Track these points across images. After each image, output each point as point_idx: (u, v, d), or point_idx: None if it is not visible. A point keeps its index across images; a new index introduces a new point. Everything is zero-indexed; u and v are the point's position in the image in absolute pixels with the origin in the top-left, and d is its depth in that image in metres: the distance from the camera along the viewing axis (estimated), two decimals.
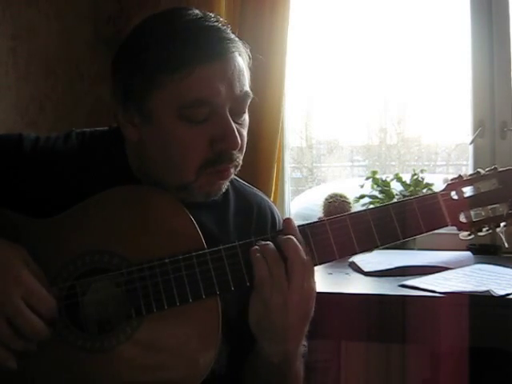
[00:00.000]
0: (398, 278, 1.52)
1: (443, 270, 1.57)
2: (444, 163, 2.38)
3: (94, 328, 0.93)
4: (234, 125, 0.96)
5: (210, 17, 0.99)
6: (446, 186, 0.98)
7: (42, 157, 1.04)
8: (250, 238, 0.95)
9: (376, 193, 1.95)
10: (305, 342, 1.12)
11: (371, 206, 0.97)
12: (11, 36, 1.82)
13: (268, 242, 0.94)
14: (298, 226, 0.96)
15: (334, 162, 2.48)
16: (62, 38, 2.02)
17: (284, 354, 0.97)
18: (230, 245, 0.94)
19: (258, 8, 1.88)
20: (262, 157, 1.90)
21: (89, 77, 2.12)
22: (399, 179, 1.95)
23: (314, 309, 0.96)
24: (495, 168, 0.99)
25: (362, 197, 1.96)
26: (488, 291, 1.34)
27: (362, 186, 1.98)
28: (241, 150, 0.99)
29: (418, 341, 1.43)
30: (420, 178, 1.92)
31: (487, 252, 1.81)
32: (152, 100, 0.95)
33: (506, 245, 1.01)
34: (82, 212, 0.98)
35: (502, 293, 1.34)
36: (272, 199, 1.93)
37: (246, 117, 1.01)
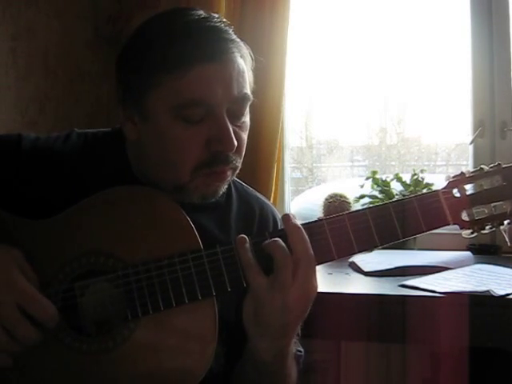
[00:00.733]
0: (398, 277, 1.52)
1: (443, 270, 1.57)
2: (444, 163, 2.37)
3: (91, 330, 0.93)
4: (230, 126, 0.95)
5: (214, 17, 0.98)
6: (448, 184, 0.96)
7: (42, 156, 1.04)
8: (248, 237, 0.94)
9: (376, 193, 1.95)
10: (300, 348, 1.12)
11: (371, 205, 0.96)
12: (11, 36, 1.82)
13: (277, 239, 0.91)
14: None
15: (334, 162, 2.47)
16: (62, 37, 2.02)
17: (276, 352, 0.96)
18: (227, 246, 0.93)
19: (258, 8, 1.89)
20: (262, 157, 1.90)
21: (89, 77, 2.12)
22: (399, 179, 1.95)
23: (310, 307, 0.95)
24: (499, 164, 0.96)
25: (362, 197, 1.96)
26: (488, 291, 1.34)
27: (361, 186, 1.98)
28: (239, 152, 0.99)
29: (418, 341, 1.43)
30: (420, 178, 1.92)
31: (487, 252, 1.81)
32: (150, 98, 0.95)
33: (510, 244, 1.00)
34: (79, 213, 0.97)
35: (502, 293, 1.34)
36: (272, 199, 1.93)
37: (247, 120, 1.00)
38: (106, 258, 0.94)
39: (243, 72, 0.97)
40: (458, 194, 0.96)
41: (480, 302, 1.33)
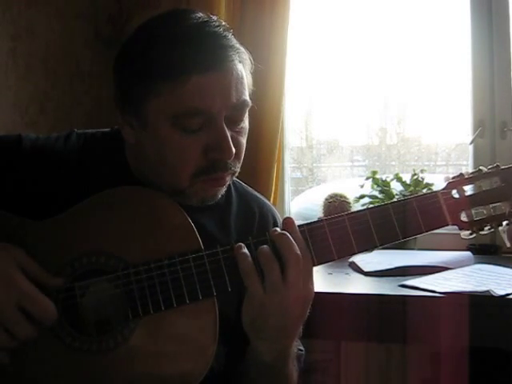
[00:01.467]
0: (398, 277, 1.52)
1: (443, 270, 1.57)
2: (444, 163, 2.37)
3: (92, 330, 0.93)
4: (228, 134, 0.95)
5: (212, 21, 0.98)
6: (447, 185, 0.97)
7: (42, 156, 1.04)
8: (247, 239, 0.94)
9: (376, 193, 1.95)
10: (301, 347, 1.12)
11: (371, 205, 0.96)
12: (11, 36, 1.82)
13: (264, 246, 0.92)
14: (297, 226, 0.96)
15: (334, 162, 2.47)
16: (61, 37, 2.02)
17: (276, 353, 0.97)
18: (227, 246, 0.94)
19: (258, 8, 1.88)
20: (262, 157, 1.90)
21: (89, 77, 2.12)
22: (399, 179, 1.95)
23: (309, 310, 0.96)
24: (497, 166, 0.97)
25: (362, 197, 1.96)
26: (488, 291, 1.34)
27: (362, 186, 1.98)
28: (238, 158, 0.99)
29: (418, 341, 1.43)
30: (420, 178, 1.92)
31: (487, 252, 1.81)
32: (148, 105, 0.95)
33: (508, 244, 1.00)
34: (80, 213, 0.97)
35: (502, 293, 1.34)
36: (272, 199, 1.93)
37: (246, 124, 1.00)
38: (106, 258, 0.94)
39: (242, 78, 0.96)
40: (457, 195, 0.96)
41: (480, 302, 1.34)
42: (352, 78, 2.24)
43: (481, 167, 0.98)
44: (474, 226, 0.96)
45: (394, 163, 2.34)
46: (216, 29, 0.96)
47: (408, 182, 1.94)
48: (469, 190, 0.97)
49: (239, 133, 0.99)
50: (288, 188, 2.15)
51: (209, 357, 0.92)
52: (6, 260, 0.90)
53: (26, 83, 1.88)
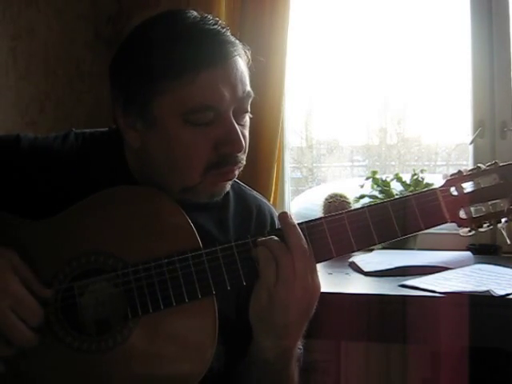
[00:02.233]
0: (398, 277, 1.51)
1: (443, 270, 1.57)
2: (444, 163, 2.37)
3: (91, 329, 0.93)
4: (238, 128, 0.96)
5: (209, 19, 0.98)
6: (446, 182, 0.97)
7: (41, 156, 1.04)
8: (247, 238, 0.94)
9: (376, 193, 1.95)
10: (300, 346, 1.12)
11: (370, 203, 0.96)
12: (11, 36, 1.82)
13: (272, 236, 0.93)
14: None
15: (334, 162, 2.47)
16: (61, 37, 2.02)
17: (280, 351, 0.97)
18: (226, 245, 0.94)
19: (258, 8, 1.89)
20: (262, 157, 1.90)
21: (89, 77, 2.12)
22: (399, 179, 1.95)
23: (315, 308, 0.96)
24: (496, 163, 0.97)
25: (362, 197, 1.95)
26: (488, 291, 1.34)
27: (361, 186, 1.98)
28: (244, 151, 1.00)
29: (418, 341, 1.43)
30: (420, 178, 1.92)
31: (487, 252, 1.80)
32: (155, 105, 0.95)
33: (508, 241, 1.00)
34: (79, 213, 0.98)
35: (502, 293, 1.34)
36: (272, 199, 1.93)
37: (248, 117, 1.01)
38: (105, 258, 0.94)
39: (244, 71, 0.98)
40: (455, 193, 0.96)
41: (480, 302, 1.33)
42: (352, 77, 2.24)
43: (479, 164, 0.98)
44: (473, 223, 0.96)
45: (393, 163, 2.34)
46: (214, 26, 0.97)
47: (408, 182, 1.94)
48: (467, 187, 0.97)
49: (244, 126, 1.00)
50: (288, 188, 2.15)
51: (207, 359, 0.92)
52: (3, 264, 0.90)
53: (26, 83, 1.88)
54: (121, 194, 0.99)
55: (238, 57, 0.97)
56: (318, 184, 2.45)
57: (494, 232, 1.00)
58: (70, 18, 2.06)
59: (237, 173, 1.01)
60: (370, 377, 1.69)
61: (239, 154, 0.97)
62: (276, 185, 1.96)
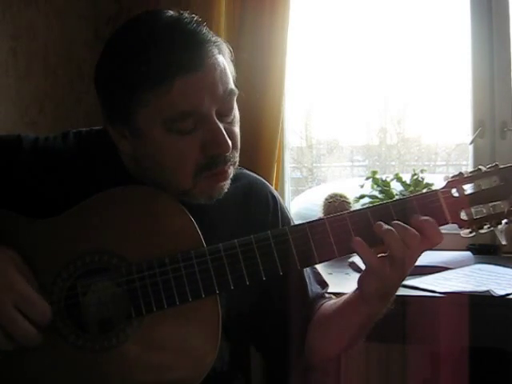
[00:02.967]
0: None
1: (443, 270, 1.57)
2: (444, 163, 2.38)
3: (94, 328, 0.93)
4: (222, 128, 0.95)
5: (184, 18, 0.96)
6: (447, 184, 0.97)
7: (41, 157, 1.04)
8: (249, 236, 0.95)
9: (376, 193, 1.95)
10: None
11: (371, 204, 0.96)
12: (11, 36, 1.82)
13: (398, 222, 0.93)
14: (298, 225, 0.96)
15: (334, 162, 2.48)
16: (61, 37, 2.02)
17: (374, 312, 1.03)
18: (229, 244, 0.94)
19: (258, 8, 1.88)
20: (262, 157, 1.90)
21: (89, 77, 2.11)
22: (399, 179, 1.95)
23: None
24: (496, 165, 0.98)
25: (362, 197, 1.95)
26: (488, 291, 1.34)
27: (362, 186, 1.98)
28: (235, 147, 0.99)
29: (418, 341, 1.43)
30: (420, 178, 1.91)
31: (487, 252, 1.81)
32: (137, 116, 0.95)
33: (504, 242, 1.01)
34: (82, 212, 0.98)
35: (502, 293, 1.34)
36: None
37: (236, 113, 1.00)
38: (109, 257, 0.94)
39: (225, 69, 0.96)
40: (456, 194, 0.97)
41: (480, 302, 1.34)
42: (352, 77, 2.24)
43: (480, 166, 0.99)
44: (474, 224, 0.97)
45: (393, 163, 2.35)
46: (189, 26, 0.95)
47: (408, 182, 1.93)
48: (468, 188, 0.97)
49: (231, 123, 0.99)
50: (288, 188, 2.15)
51: (207, 365, 0.92)
52: (5, 261, 0.90)
53: (26, 83, 1.88)
54: (123, 194, 0.99)
55: (216, 55, 0.95)
56: (318, 184, 2.45)
57: (495, 232, 1.00)
58: (70, 18, 2.06)
59: (230, 171, 1.00)
60: (370, 377, 1.69)
61: (228, 154, 0.96)
62: (276, 185, 1.96)
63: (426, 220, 0.93)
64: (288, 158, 2.15)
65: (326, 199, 1.92)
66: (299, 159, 2.45)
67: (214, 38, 0.96)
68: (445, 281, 1.48)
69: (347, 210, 1.84)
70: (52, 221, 0.97)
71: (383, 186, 1.94)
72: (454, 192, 0.97)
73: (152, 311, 0.92)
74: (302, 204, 2.31)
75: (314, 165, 2.45)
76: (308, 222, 0.96)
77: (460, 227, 0.98)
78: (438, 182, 1.85)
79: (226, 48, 1.00)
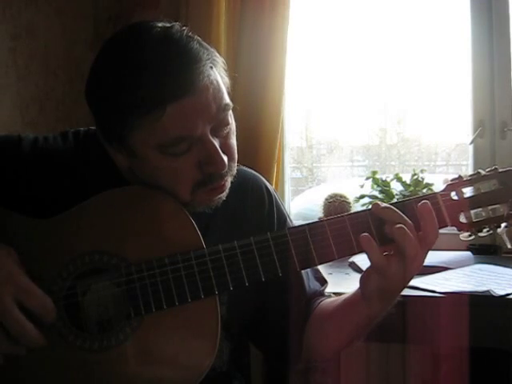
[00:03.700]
0: None
1: (443, 270, 1.58)
2: (444, 163, 2.38)
3: (93, 328, 0.93)
4: (217, 146, 0.94)
5: (173, 34, 0.93)
6: (446, 187, 0.98)
7: (41, 157, 1.04)
8: (249, 238, 0.95)
9: (376, 193, 1.95)
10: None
11: (371, 206, 0.96)
12: (11, 36, 1.82)
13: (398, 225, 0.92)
14: (298, 226, 0.96)
15: (334, 162, 2.48)
16: (62, 37, 2.02)
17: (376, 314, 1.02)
18: (229, 245, 0.94)
19: (258, 8, 1.89)
20: (262, 157, 1.90)
21: None
22: (399, 179, 1.95)
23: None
24: (495, 168, 0.98)
25: (362, 197, 1.95)
26: (488, 291, 1.34)
27: (362, 186, 1.98)
28: (232, 160, 0.98)
29: (418, 341, 1.43)
30: (420, 178, 1.92)
31: (487, 252, 1.81)
32: (131, 138, 0.94)
33: (509, 245, 1.01)
34: (82, 212, 0.98)
35: (502, 293, 1.34)
36: None
37: (232, 124, 0.99)
38: (109, 257, 0.94)
39: (218, 85, 0.94)
40: (455, 197, 0.97)
41: (480, 302, 1.34)
42: (352, 77, 2.24)
43: (479, 170, 0.99)
44: (473, 227, 0.97)
45: (393, 163, 2.35)
46: (180, 43, 0.92)
47: (408, 182, 1.94)
48: (467, 192, 0.97)
49: (227, 136, 0.97)
50: (288, 188, 2.15)
51: (206, 365, 0.92)
52: (5, 256, 0.90)
53: (26, 83, 1.88)
54: (123, 194, 0.99)
55: (209, 71, 0.92)
56: (318, 184, 2.45)
57: (494, 233, 1.00)
58: (70, 18, 2.06)
59: (228, 183, 0.99)
60: (370, 377, 1.70)
61: (223, 171, 0.96)
62: (276, 185, 1.96)
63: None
64: (288, 158, 2.15)
65: (326, 199, 1.92)
66: (299, 159, 2.45)
67: (205, 55, 0.93)
68: (445, 281, 1.48)
69: (347, 210, 1.86)
70: (52, 221, 0.97)
71: (383, 186, 1.94)
72: (454, 195, 0.97)
73: (151, 311, 0.92)
74: (302, 204, 2.31)
75: (314, 165, 2.45)
76: (307, 224, 0.96)
77: (459, 230, 0.98)
78: (438, 182, 1.85)
79: (217, 58, 0.97)
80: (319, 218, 1.82)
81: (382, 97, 2.26)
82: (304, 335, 1.12)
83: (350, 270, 1.67)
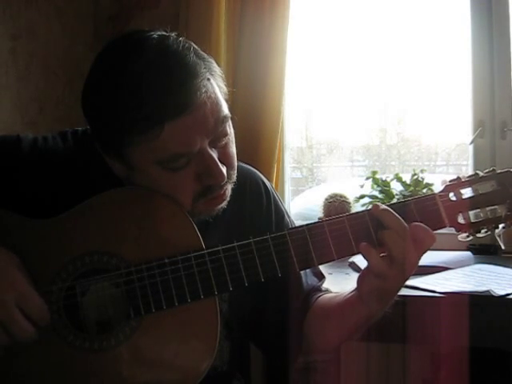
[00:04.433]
0: None
1: (443, 270, 1.58)
2: (444, 163, 2.38)
3: (93, 328, 0.94)
4: (216, 158, 0.94)
5: (170, 46, 0.92)
6: (445, 188, 0.98)
7: (41, 158, 1.04)
8: (249, 238, 0.95)
9: (376, 193, 1.95)
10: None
11: (371, 207, 0.97)
12: (11, 36, 1.82)
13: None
14: (297, 227, 0.96)
15: (334, 162, 2.48)
16: (62, 37, 2.02)
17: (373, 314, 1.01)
18: (229, 245, 0.94)
19: (258, 8, 1.89)
20: (262, 157, 1.90)
21: None
22: (399, 179, 1.95)
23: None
24: (494, 170, 0.99)
25: (362, 197, 1.95)
26: (488, 291, 1.34)
27: (362, 186, 1.98)
28: (231, 168, 0.98)
29: (418, 341, 1.43)
30: (420, 178, 1.92)
31: (487, 252, 1.81)
32: (129, 153, 0.94)
33: (503, 246, 1.02)
34: (82, 213, 0.98)
35: (502, 293, 1.34)
36: None
37: (230, 132, 0.98)
38: (108, 258, 0.95)
39: (216, 96, 0.93)
40: (454, 198, 0.98)
41: (480, 302, 1.34)
42: (352, 77, 2.24)
43: (477, 171, 1.00)
44: (471, 228, 0.97)
45: (394, 163, 2.35)
46: (176, 59, 0.91)
47: (408, 182, 1.94)
48: (466, 193, 0.98)
49: (226, 146, 0.97)
50: (288, 188, 2.15)
51: (205, 366, 0.92)
52: (7, 260, 0.91)
53: (26, 83, 1.88)
54: (122, 195, 0.99)
55: (206, 86, 0.91)
56: (317, 184, 2.46)
57: (493, 233, 1.01)
58: (70, 18, 2.06)
59: (228, 191, 1.00)
60: (370, 377, 1.70)
61: (223, 183, 0.96)
62: (276, 185, 1.96)
63: (415, 225, 0.93)
64: (288, 158, 2.15)
65: (326, 199, 1.92)
66: (299, 159, 2.45)
67: (202, 68, 0.92)
68: (445, 281, 1.48)
69: (347, 210, 1.86)
70: (51, 221, 0.97)
71: (383, 186, 1.94)
72: (452, 196, 0.98)
73: (151, 312, 0.92)
74: (302, 204, 2.31)
75: (314, 165, 2.45)
76: (306, 225, 0.96)
77: (457, 231, 0.98)
78: (438, 182, 1.85)
79: (214, 67, 0.97)
80: (319, 218, 1.82)
81: (382, 97, 2.26)
82: (303, 330, 1.12)
83: (349, 270, 1.67)
